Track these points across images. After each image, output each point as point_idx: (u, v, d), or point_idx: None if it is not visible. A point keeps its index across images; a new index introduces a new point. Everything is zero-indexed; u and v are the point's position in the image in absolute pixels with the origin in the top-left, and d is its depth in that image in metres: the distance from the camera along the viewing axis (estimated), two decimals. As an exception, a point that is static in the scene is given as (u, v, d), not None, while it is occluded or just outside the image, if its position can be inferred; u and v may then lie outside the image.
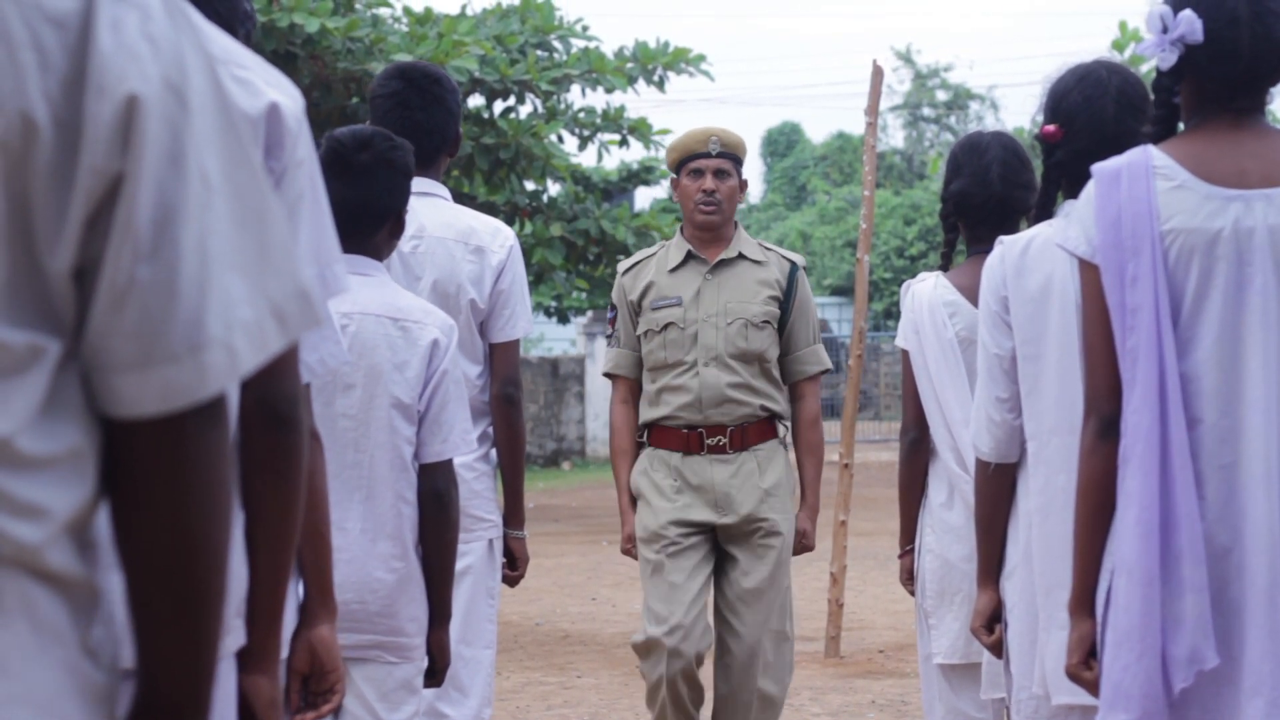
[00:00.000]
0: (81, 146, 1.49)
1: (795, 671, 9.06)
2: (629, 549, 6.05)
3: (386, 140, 4.04)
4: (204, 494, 1.56)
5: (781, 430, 5.99)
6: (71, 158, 1.49)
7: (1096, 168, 3.21)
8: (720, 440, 5.88)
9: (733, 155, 6.06)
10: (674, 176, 6.13)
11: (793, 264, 6.08)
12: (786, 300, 6.01)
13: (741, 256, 6.04)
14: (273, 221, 1.59)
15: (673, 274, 6.01)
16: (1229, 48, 3.16)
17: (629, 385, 6.06)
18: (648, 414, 5.96)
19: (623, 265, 6.20)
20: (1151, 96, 3.30)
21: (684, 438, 5.89)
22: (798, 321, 6.02)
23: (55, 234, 1.51)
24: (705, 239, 6.05)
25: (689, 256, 6.03)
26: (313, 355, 2.78)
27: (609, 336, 6.16)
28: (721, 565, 5.95)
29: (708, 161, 6.02)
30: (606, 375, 6.14)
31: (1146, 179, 3.14)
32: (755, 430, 5.91)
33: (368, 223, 4.01)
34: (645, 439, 5.99)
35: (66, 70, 1.49)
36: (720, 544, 5.93)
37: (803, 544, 6.04)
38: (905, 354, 4.82)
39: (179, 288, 1.51)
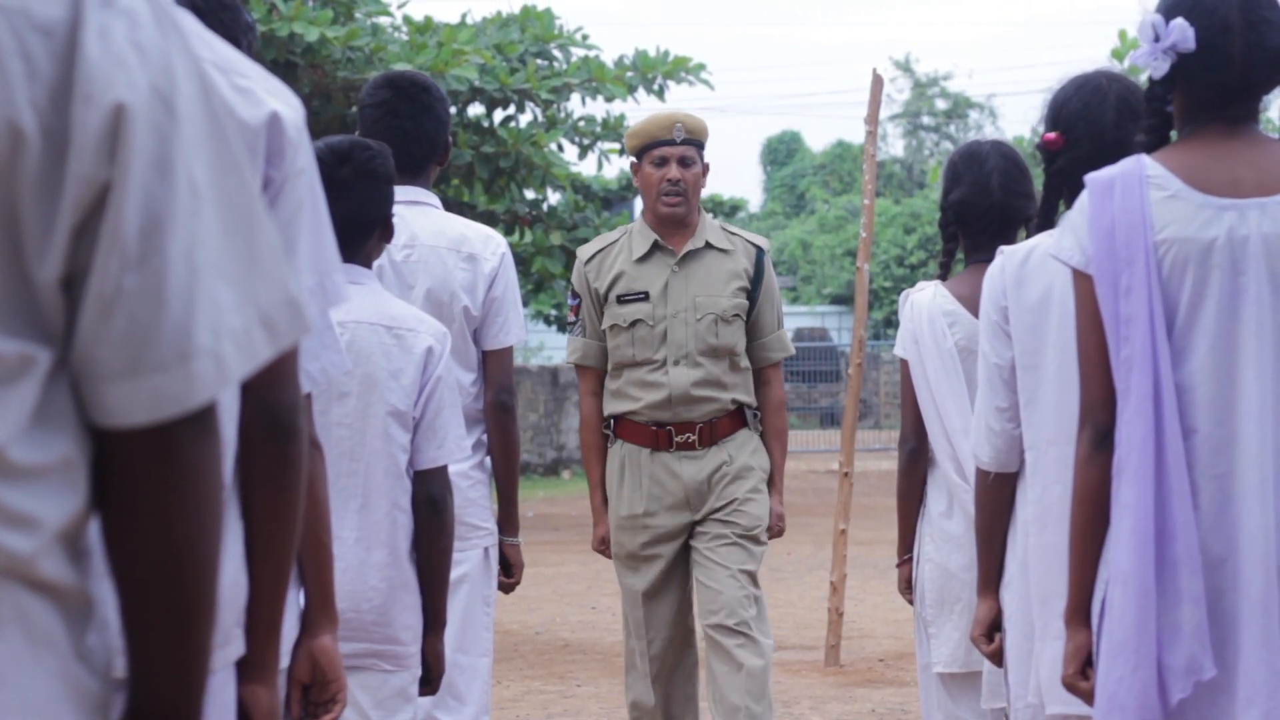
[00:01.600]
0: (69, 155, 1.49)
1: (795, 680, 9.08)
2: (601, 549, 6.02)
3: (365, 150, 4.03)
4: (194, 503, 1.56)
5: (751, 417, 5.91)
6: (59, 167, 1.49)
7: (1090, 177, 3.21)
8: (689, 437, 5.82)
9: (696, 141, 5.94)
10: (634, 162, 6.00)
11: (759, 249, 5.99)
12: (754, 287, 5.92)
13: (709, 246, 5.92)
14: (261, 229, 1.59)
15: (639, 265, 5.89)
16: (1221, 56, 3.15)
17: (597, 376, 5.95)
18: (614, 407, 5.88)
19: (584, 252, 6.05)
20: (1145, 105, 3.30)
21: (652, 435, 5.83)
22: (764, 308, 5.94)
23: (43, 243, 1.50)
24: (670, 228, 5.92)
25: (655, 246, 5.91)
26: (314, 364, 2.79)
27: (571, 324, 6.03)
28: (691, 554, 5.89)
29: (672, 149, 5.90)
30: (572, 364, 6.03)
31: (1140, 189, 3.14)
32: (724, 423, 5.85)
33: (357, 234, 4.00)
34: (611, 430, 5.91)
35: (54, 79, 1.49)
36: (691, 541, 5.87)
37: (777, 526, 5.99)
38: (904, 363, 4.82)
39: (167, 296, 1.51)
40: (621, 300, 5.86)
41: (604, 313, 5.91)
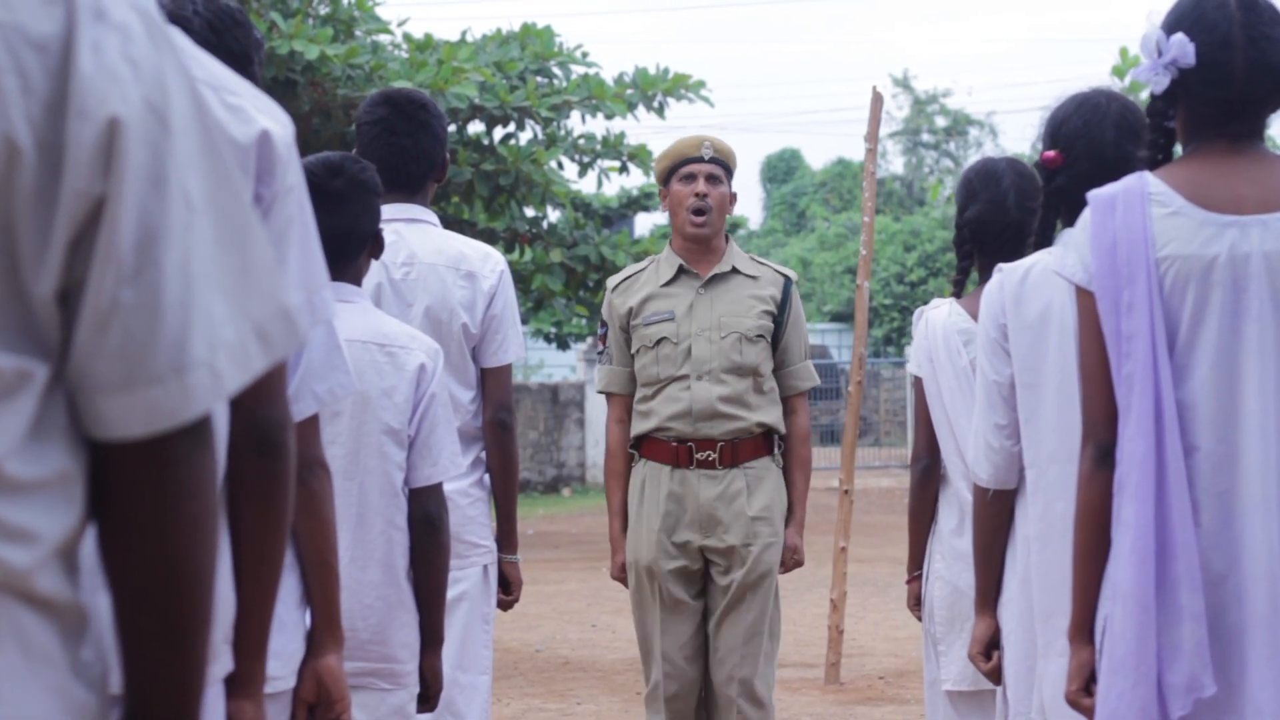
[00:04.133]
0: (64, 169, 1.49)
1: (795, 698, 9.07)
2: (620, 577, 6.00)
3: (355, 163, 4.03)
4: (190, 515, 1.56)
5: (776, 447, 5.90)
6: (54, 181, 1.49)
7: (1092, 194, 3.21)
8: (710, 455, 5.80)
9: (724, 163, 5.97)
10: (663, 188, 6.04)
11: (786, 278, 6.02)
12: (780, 314, 5.93)
13: (735, 270, 5.96)
14: (255, 242, 1.59)
15: (665, 288, 5.94)
16: (1222, 71, 3.15)
17: (624, 403, 5.97)
18: (638, 426, 5.89)
19: (612, 281, 6.10)
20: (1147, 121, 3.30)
21: (674, 451, 5.82)
22: (791, 336, 5.96)
23: (39, 257, 1.50)
24: (696, 253, 5.96)
25: (681, 271, 5.94)
26: (322, 385, 2.79)
27: (600, 354, 6.08)
28: (708, 590, 5.89)
29: (700, 166, 5.93)
30: (601, 393, 6.08)
31: (1142, 205, 3.14)
32: (748, 446, 5.83)
33: (351, 248, 4.00)
34: (637, 450, 5.92)
35: (48, 93, 1.49)
36: (707, 566, 5.86)
37: (794, 559, 5.97)
38: (918, 380, 4.81)
39: (162, 309, 1.51)
40: (647, 322, 5.90)
41: (631, 338, 5.94)
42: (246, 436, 2.38)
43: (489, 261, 5.06)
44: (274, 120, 2.44)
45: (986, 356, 3.98)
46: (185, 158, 1.54)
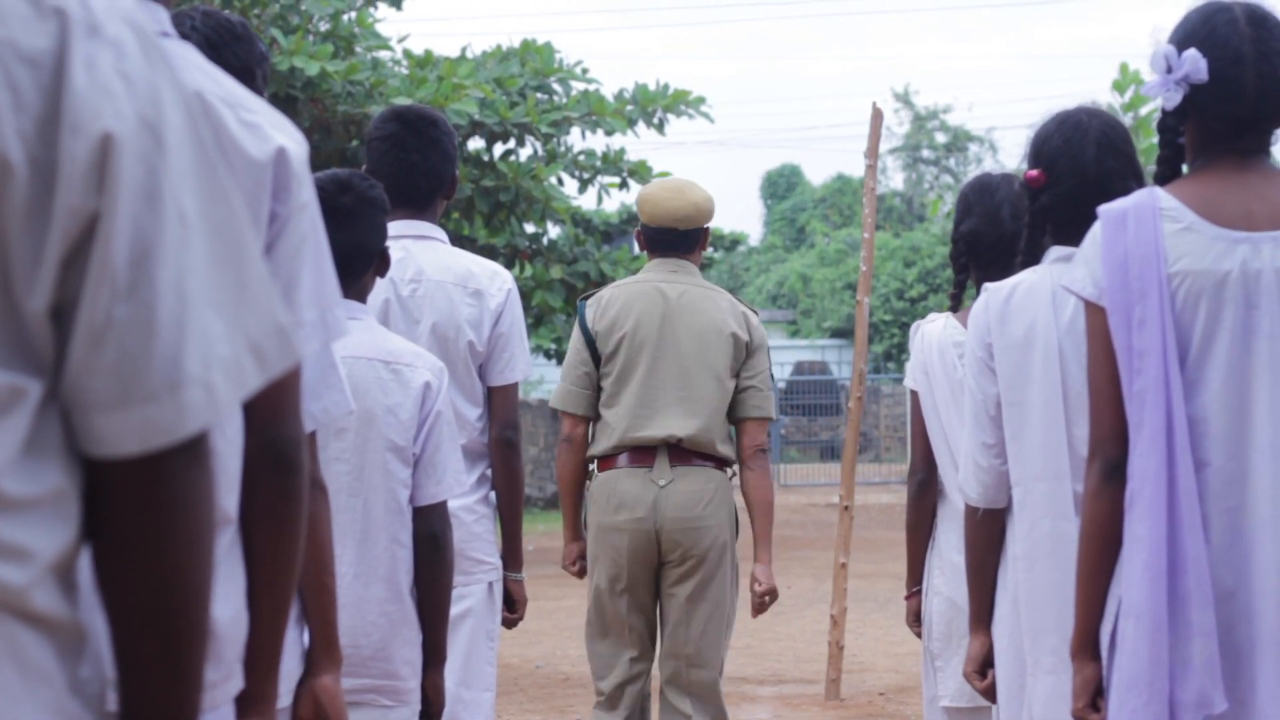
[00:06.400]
0: (57, 185, 1.49)
1: (796, 714, 9.05)
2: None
3: (363, 180, 4.04)
4: (185, 532, 1.55)
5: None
6: (47, 197, 1.49)
7: (1103, 209, 3.21)
8: None
9: None
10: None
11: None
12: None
13: None
14: (250, 259, 1.59)
15: None
16: (1234, 87, 3.16)
17: None
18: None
19: None
20: (1157, 137, 3.30)
21: None
22: None
23: (32, 274, 1.50)
24: None
25: None
26: (316, 404, 2.78)
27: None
28: None
29: None
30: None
31: (1153, 221, 3.14)
32: None
33: (357, 265, 4.00)
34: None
35: (41, 109, 1.49)
36: None
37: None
38: (914, 394, 4.81)
39: (157, 326, 1.51)
40: None
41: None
42: (260, 454, 2.38)
43: (496, 280, 5.05)
44: (289, 137, 2.45)
45: (973, 376, 3.98)
46: (180, 174, 1.54)
